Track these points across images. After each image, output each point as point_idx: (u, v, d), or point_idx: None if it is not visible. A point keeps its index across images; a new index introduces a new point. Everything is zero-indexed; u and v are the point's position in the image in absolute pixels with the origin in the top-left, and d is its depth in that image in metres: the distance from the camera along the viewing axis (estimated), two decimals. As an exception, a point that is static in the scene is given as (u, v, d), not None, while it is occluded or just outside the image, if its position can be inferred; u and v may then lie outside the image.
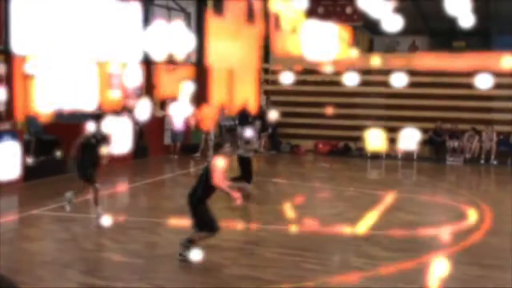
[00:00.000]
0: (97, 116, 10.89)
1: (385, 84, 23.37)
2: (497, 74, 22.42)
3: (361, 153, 22.47)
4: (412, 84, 22.99)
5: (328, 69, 24.33)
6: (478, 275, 8.66)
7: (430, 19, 47.05)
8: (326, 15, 27.64)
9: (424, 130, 21.83)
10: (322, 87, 23.81)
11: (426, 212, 13.44)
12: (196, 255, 8.47)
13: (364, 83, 23.63)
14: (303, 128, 23.59)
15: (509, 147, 21.39)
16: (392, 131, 22.52)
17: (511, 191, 17.60)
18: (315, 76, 24.15)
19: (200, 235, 8.88)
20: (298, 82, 24.26)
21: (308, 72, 24.36)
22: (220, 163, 8.78)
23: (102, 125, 10.93)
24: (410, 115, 22.47)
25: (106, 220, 10.55)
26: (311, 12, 28.45)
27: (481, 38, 47.64)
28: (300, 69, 24.42)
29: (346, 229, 11.22)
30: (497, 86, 22.30)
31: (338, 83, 23.79)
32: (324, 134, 23.43)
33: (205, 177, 8.81)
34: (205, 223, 8.77)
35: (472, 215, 12.61)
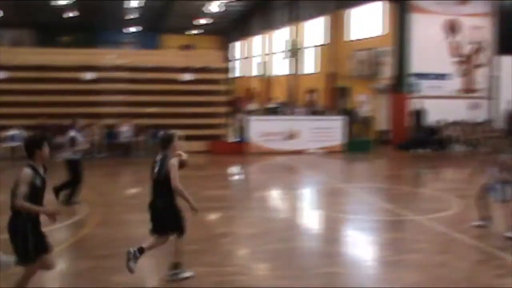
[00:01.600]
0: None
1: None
2: (102, 68, 23.06)
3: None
4: (15, 80, 22.20)
5: None
6: (91, 267, 8.74)
7: (36, 12, 46.11)
8: None
9: (31, 127, 21.14)
10: None
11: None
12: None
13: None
14: None
15: (116, 139, 22.12)
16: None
17: (118, 183, 18.32)
18: None
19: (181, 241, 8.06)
20: None
21: None
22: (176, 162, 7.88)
23: None
24: (15, 112, 21.62)
25: None
26: None
27: (87, 34, 48.72)
28: None
29: None
30: (103, 80, 22.94)
31: None
32: None
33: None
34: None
35: (82, 209, 12.69)
